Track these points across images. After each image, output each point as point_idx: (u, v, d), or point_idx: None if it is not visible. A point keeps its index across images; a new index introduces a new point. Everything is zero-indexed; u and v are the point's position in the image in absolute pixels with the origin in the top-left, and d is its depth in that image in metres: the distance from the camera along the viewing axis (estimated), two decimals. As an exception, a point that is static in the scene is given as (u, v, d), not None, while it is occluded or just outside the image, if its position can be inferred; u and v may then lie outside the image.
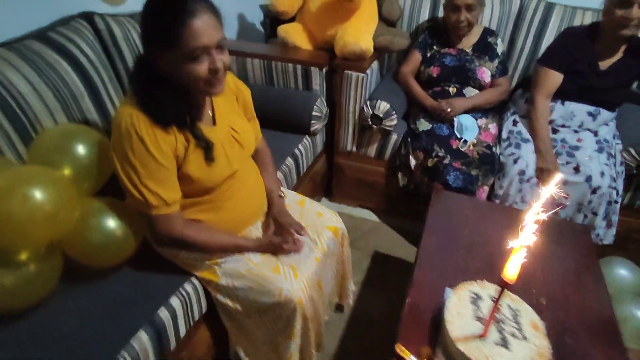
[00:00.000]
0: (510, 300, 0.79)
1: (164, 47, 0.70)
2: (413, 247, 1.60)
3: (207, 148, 0.81)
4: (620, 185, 1.35)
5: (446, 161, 1.44)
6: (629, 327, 1.22)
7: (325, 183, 1.88)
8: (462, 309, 0.75)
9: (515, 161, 1.42)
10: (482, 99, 1.58)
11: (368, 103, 1.54)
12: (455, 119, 1.52)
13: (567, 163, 1.38)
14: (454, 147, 1.48)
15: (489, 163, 1.45)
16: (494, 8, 1.69)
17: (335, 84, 1.56)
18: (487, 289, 0.81)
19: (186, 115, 0.79)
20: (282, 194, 1.09)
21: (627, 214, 1.46)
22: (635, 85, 1.58)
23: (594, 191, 1.33)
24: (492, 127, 1.56)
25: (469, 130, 1.51)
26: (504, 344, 0.69)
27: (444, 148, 1.47)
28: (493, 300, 0.70)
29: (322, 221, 1.10)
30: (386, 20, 1.69)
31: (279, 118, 1.51)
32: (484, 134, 1.53)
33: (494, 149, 1.49)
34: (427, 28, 1.70)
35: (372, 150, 1.70)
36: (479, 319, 0.73)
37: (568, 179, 1.36)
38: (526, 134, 1.48)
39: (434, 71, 1.61)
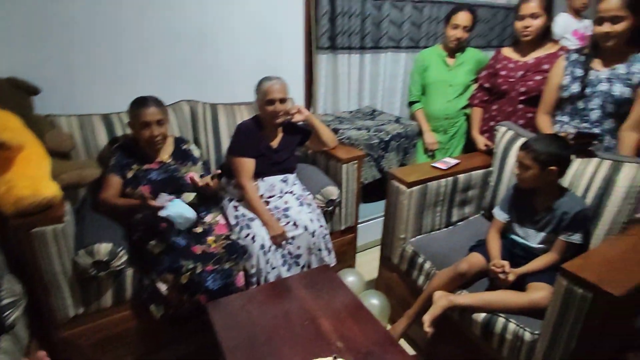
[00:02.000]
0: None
1: None
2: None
3: None
4: (323, 222, 1.79)
5: (198, 270, 1.41)
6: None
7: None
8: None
9: (253, 239, 1.59)
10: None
11: (81, 252, 1.27)
12: (165, 213, 1.44)
13: (287, 222, 1.68)
14: (199, 252, 1.48)
15: (235, 251, 1.54)
16: (171, 118, 1.82)
17: (24, 249, 1.18)
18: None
19: None
20: None
21: (333, 238, 1.96)
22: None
23: (313, 235, 1.70)
24: (220, 218, 1.67)
25: (186, 212, 1.47)
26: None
27: (190, 258, 1.43)
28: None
29: None
30: (59, 154, 1.46)
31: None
32: (217, 227, 1.61)
33: (232, 236, 1.60)
34: (117, 149, 1.61)
35: (108, 300, 1.41)
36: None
37: (293, 233, 1.66)
38: (249, 214, 1.68)
39: (146, 189, 1.54)
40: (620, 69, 1.52)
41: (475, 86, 2.09)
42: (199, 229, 1.57)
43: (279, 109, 1.69)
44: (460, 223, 1.84)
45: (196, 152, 1.76)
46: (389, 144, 2.07)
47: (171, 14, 1.85)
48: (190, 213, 1.49)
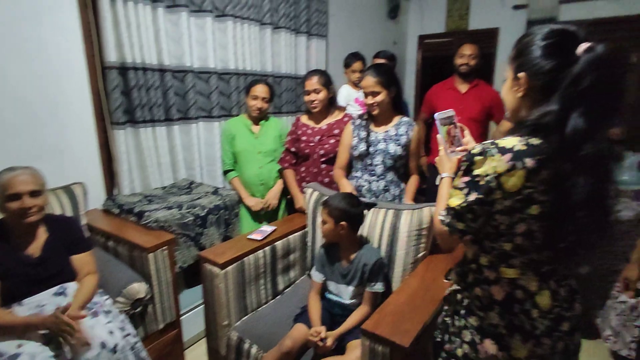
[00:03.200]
0: None
1: None
2: None
3: None
4: (130, 328, 1.48)
5: None
6: None
7: None
8: None
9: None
10: None
11: None
12: None
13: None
14: None
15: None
16: None
17: None
18: None
19: None
20: None
21: (150, 341, 1.65)
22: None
23: (114, 351, 1.37)
24: None
25: None
26: None
27: None
28: None
29: None
30: None
31: None
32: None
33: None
34: None
35: None
36: None
37: (87, 356, 1.31)
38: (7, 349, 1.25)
39: None
40: (391, 131, 1.82)
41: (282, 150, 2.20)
42: None
43: (28, 204, 1.34)
44: (287, 290, 1.80)
45: None
46: (206, 219, 1.94)
47: None
48: None
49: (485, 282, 0.92)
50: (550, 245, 0.84)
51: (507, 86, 0.91)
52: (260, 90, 2.14)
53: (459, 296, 0.98)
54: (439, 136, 1.05)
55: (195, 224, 1.90)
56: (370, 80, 1.73)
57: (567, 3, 3.49)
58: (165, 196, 2.09)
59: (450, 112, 1.07)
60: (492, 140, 0.85)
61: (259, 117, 2.23)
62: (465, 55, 2.47)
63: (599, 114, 0.75)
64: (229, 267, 1.52)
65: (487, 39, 3.97)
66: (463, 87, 2.55)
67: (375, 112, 1.78)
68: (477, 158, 0.84)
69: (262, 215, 2.24)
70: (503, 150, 0.81)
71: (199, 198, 2.06)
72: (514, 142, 0.81)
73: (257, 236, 1.71)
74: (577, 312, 0.92)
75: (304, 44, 3.02)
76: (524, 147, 0.80)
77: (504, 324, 0.88)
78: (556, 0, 3.50)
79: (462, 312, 0.96)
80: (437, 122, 1.04)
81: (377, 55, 2.64)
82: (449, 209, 0.88)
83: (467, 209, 0.85)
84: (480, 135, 2.57)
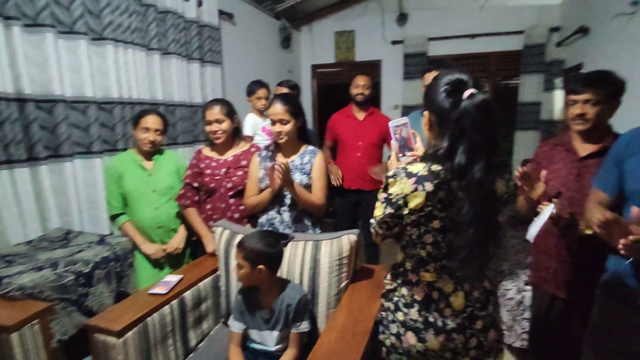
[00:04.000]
0: None
1: None
2: None
3: None
4: None
5: None
6: None
7: None
8: None
9: None
10: None
11: None
12: None
13: None
14: None
15: None
16: None
17: None
18: None
19: None
20: None
21: None
22: None
23: None
24: None
25: None
26: None
27: None
28: None
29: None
30: None
31: None
32: None
33: None
34: None
35: None
36: None
37: None
38: None
39: None
40: (297, 160, 1.79)
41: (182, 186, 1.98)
42: None
43: None
44: (201, 345, 1.59)
45: None
46: (92, 276, 1.61)
47: None
48: None
49: (409, 284, 1.08)
50: (453, 255, 0.98)
51: (422, 120, 1.07)
52: (151, 121, 1.92)
53: (391, 294, 1.13)
54: (392, 142, 1.18)
55: (78, 283, 1.56)
56: (279, 108, 1.69)
57: (434, 41, 4.07)
58: (33, 253, 1.68)
59: (403, 120, 1.19)
60: (404, 165, 1.02)
61: (152, 152, 1.98)
62: (360, 85, 2.63)
63: (478, 148, 0.91)
64: (129, 334, 1.26)
65: (372, 69, 4.35)
66: (360, 115, 2.70)
67: (282, 141, 1.74)
68: (390, 179, 1.02)
69: (164, 263, 1.96)
70: (409, 175, 0.98)
71: (80, 251, 1.71)
72: (419, 167, 0.99)
73: (160, 289, 1.48)
74: (491, 312, 1.06)
75: (197, 70, 2.86)
76: (426, 173, 0.97)
77: (421, 320, 1.04)
78: (425, 38, 4.05)
79: (392, 308, 1.11)
80: (391, 130, 1.18)
81: (280, 84, 2.63)
82: (375, 217, 1.06)
83: (383, 220, 1.04)
84: (380, 158, 2.74)
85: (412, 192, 0.97)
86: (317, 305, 1.50)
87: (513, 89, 4.15)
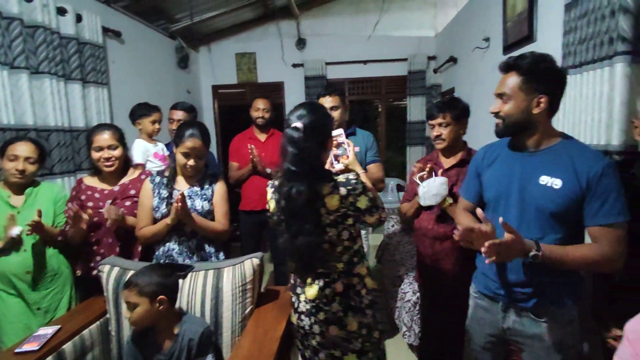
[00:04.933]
0: None
1: None
2: None
3: None
4: None
5: None
6: None
7: None
8: None
9: None
10: None
11: None
12: None
13: None
14: None
15: None
16: None
17: None
18: None
19: None
20: None
21: None
22: None
23: None
24: None
25: None
26: None
27: None
28: None
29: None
30: None
31: None
32: None
33: None
34: None
35: None
36: None
37: None
38: None
39: None
40: (196, 186, 1.71)
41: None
42: None
43: None
44: (87, 403, 1.39)
45: None
46: None
47: None
48: None
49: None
50: (293, 259, 1.24)
51: None
52: (21, 149, 1.65)
53: None
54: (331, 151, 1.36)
55: None
56: (198, 144, 1.62)
57: (331, 65, 4.34)
58: None
59: (337, 131, 1.40)
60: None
61: (23, 185, 1.71)
62: (260, 109, 2.67)
63: (292, 173, 1.16)
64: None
65: (275, 91, 4.43)
66: (262, 137, 2.73)
67: (192, 174, 1.68)
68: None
69: (35, 314, 1.68)
70: (272, 186, 1.32)
71: None
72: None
73: (31, 346, 1.26)
74: (335, 311, 1.22)
75: (78, 92, 2.57)
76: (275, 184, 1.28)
77: (293, 299, 1.33)
78: (323, 62, 4.29)
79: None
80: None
81: (174, 107, 2.50)
82: None
83: None
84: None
85: (270, 199, 1.31)
86: (222, 336, 1.43)
87: (403, 109, 4.62)
